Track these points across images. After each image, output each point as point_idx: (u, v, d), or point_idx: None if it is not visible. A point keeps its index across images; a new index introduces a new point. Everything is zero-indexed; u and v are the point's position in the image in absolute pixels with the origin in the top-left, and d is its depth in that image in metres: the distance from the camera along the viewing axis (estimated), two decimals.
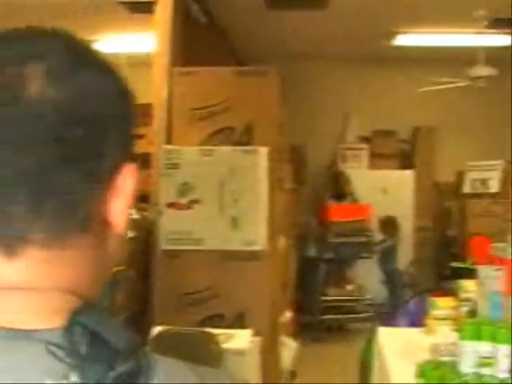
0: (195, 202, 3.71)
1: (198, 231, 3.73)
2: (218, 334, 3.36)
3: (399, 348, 3.37)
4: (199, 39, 5.76)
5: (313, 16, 6.79)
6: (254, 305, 3.78)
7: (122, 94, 0.82)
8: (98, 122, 0.77)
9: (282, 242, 4.80)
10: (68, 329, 0.72)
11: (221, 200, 3.74)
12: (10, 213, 0.75)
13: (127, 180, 0.80)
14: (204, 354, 3.07)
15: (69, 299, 0.75)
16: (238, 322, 3.77)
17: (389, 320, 5.07)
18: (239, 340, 3.51)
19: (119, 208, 0.80)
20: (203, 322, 3.71)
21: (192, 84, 4.16)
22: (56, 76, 0.76)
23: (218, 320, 3.76)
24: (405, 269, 8.30)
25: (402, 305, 5.33)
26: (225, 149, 3.82)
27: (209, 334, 3.27)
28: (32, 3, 6.18)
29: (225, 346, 3.33)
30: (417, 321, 3.94)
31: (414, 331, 3.64)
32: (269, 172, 3.86)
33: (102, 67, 0.81)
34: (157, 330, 3.27)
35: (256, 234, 3.76)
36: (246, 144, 3.92)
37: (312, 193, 8.85)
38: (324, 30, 7.36)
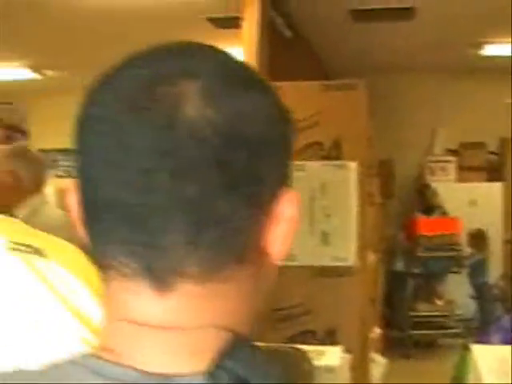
0: None
1: None
2: (309, 351, 3.33)
3: (495, 366, 3.29)
4: (284, 53, 5.76)
5: (399, 27, 6.72)
6: (345, 321, 3.74)
7: (281, 115, 0.75)
8: (258, 145, 0.71)
9: (371, 256, 4.75)
10: (211, 374, 0.65)
11: (311, 215, 3.71)
12: (163, 244, 0.68)
13: (286, 206, 0.74)
14: (297, 371, 3.04)
15: (222, 337, 0.68)
16: (329, 338, 3.73)
17: (481, 336, 4.97)
18: (330, 357, 3.47)
19: (278, 236, 0.73)
20: (294, 338, 3.69)
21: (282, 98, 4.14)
22: (212, 96, 0.69)
23: (309, 336, 3.73)
24: (495, 283, 8.13)
25: (495, 321, 5.22)
26: (315, 164, 3.80)
27: (301, 351, 3.24)
28: (117, 17, 6.28)
29: (316, 362, 3.30)
30: (511, 338, 3.84)
31: (510, 349, 3.54)
32: (359, 186, 3.82)
33: (259, 87, 0.74)
34: None
35: (347, 249, 3.72)
36: (335, 159, 3.89)
37: (399, 206, 8.75)
38: (411, 41, 7.28)
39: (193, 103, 0.69)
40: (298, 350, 3.26)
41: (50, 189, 3.63)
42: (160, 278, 0.69)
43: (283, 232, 0.73)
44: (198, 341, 0.69)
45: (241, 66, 0.76)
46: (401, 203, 8.78)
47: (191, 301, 0.70)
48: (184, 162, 0.67)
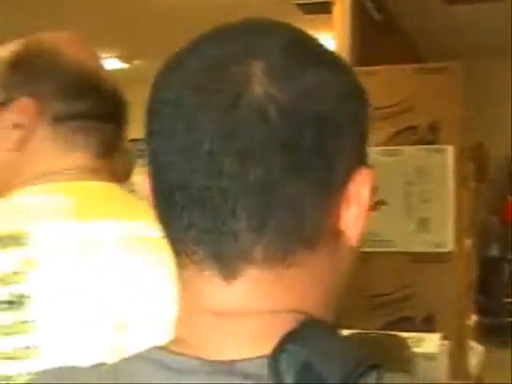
0: (381, 203, 3.65)
1: (384, 233, 3.66)
2: (408, 338, 3.29)
3: None
4: (375, 37, 5.69)
5: (492, 8, 6.58)
6: (443, 307, 3.69)
7: (354, 93, 0.73)
8: (326, 125, 0.68)
9: (466, 242, 4.66)
10: (274, 358, 0.64)
11: (407, 201, 3.66)
12: (231, 229, 0.67)
13: (361, 186, 0.72)
14: (397, 359, 3.01)
15: (290, 321, 0.67)
16: (427, 325, 3.68)
17: None
18: (429, 344, 3.42)
19: (352, 218, 0.72)
20: (390, 325, 3.65)
21: (373, 83, 4.08)
22: (278, 74, 0.68)
23: (406, 323, 3.68)
24: None
25: None
26: (411, 148, 3.74)
27: (400, 338, 3.20)
28: (203, 4, 6.30)
29: (415, 350, 3.25)
30: None
31: None
32: (455, 170, 3.75)
33: (329, 65, 0.72)
34: (344, 333, 3.23)
35: (444, 235, 3.66)
36: (430, 143, 3.82)
37: (492, 190, 8.58)
38: (504, 22, 7.12)
39: (257, 83, 0.67)
40: (396, 337, 3.22)
41: (137, 178, 3.68)
42: (228, 264, 0.68)
43: (358, 213, 0.72)
44: (265, 326, 0.68)
45: (311, 43, 0.74)
46: (491, 187, 8.61)
47: (259, 286, 0.69)
48: (249, 144, 0.66)
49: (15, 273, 1.09)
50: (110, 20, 6.65)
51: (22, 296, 1.08)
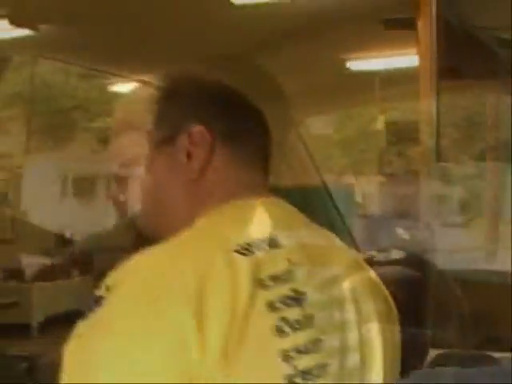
0: (471, 219, 3.61)
1: (475, 249, 3.61)
2: (500, 359, 3.22)
3: None
4: (457, 50, 5.63)
5: None
6: None
7: None
8: None
9: None
10: None
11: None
12: None
13: None
14: None
15: None
16: None
17: None
18: None
19: None
20: (481, 345, 3.59)
21: (459, 97, 4.04)
22: None
23: (496, 343, 3.62)
24: None
25: None
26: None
27: (492, 358, 3.14)
28: (283, 19, 6.29)
29: None
30: None
31: None
32: None
33: None
34: (434, 353, 3.18)
35: None
36: None
37: None
38: None
39: None
40: (489, 357, 3.15)
41: None
42: None
43: None
44: None
45: None
46: None
47: None
48: None
49: (287, 271, 1.17)
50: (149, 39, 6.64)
51: (298, 292, 1.16)
